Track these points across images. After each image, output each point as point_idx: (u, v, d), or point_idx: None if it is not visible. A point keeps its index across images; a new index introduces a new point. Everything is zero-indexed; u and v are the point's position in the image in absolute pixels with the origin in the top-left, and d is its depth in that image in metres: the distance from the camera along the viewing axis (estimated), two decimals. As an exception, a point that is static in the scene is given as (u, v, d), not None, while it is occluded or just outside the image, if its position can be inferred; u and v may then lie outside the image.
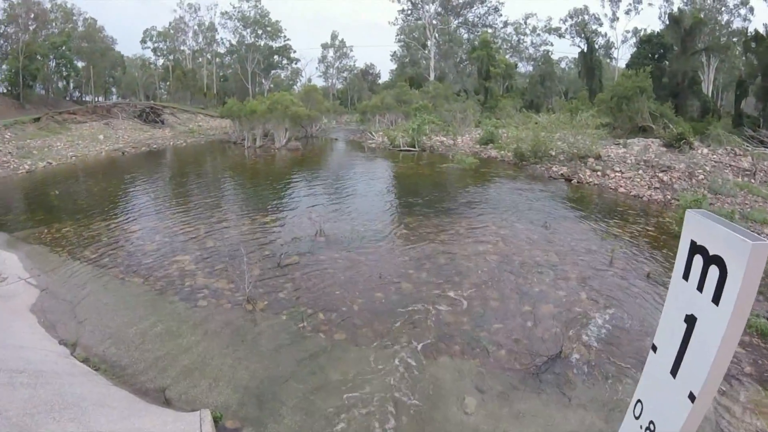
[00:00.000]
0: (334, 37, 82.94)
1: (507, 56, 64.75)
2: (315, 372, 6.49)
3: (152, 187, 21.05)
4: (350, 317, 8.13)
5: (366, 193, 18.42)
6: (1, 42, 64.69)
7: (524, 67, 71.00)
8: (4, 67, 64.77)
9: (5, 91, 63.41)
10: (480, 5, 67.77)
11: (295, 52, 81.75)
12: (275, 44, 79.13)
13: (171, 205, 16.93)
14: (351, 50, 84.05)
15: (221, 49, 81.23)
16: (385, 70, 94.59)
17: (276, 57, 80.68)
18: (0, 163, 28.80)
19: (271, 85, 79.08)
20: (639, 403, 2.43)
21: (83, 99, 74.09)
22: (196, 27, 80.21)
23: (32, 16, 64.61)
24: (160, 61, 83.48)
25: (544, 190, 19.17)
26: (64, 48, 67.83)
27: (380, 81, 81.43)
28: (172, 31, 79.58)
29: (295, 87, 78.16)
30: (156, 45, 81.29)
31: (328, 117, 54.17)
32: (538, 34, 70.41)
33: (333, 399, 5.89)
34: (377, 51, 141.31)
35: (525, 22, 71.48)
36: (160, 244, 12.13)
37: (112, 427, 4.75)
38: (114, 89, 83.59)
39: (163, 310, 8.46)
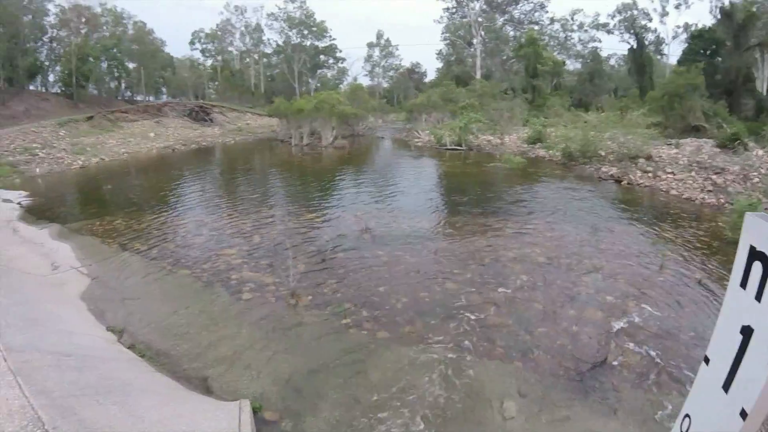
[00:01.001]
0: (379, 36, 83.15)
1: (554, 53, 63.18)
2: (356, 368, 6.45)
3: (201, 183, 21.51)
4: (393, 315, 8.07)
5: (412, 191, 18.36)
6: (55, 45, 67.60)
7: (572, 65, 69.19)
8: (58, 68, 67.70)
9: (59, 91, 66.21)
10: (525, 1, 66.46)
11: (340, 51, 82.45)
12: (321, 44, 79.99)
13: (219, 201, 17.27)
14: (396, 49, 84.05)
15: (268, 50, 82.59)
16: (431, 68, 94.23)
17: (322, 57, 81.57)
18: (55, 159, 29.93)
19: (318, 85, 79.88)
20: (687, 418, 2.28)
21: (134, 98, 76.55)
22: (243, 28, 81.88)
23: (83, 20, 67.32)
24: (209, 62, 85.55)
25: (593, 191, 18.71)
26: (115, 50, 70.63)
27: (426, 80, 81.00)
28: (219, 33, 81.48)
29: (341, 86, 78.54)
30: (204, 46, 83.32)
31: (375, 115, 54.24)
32: (586, 30, 68.62)
33: (372, 396, 5.84)
34: (423, 50, 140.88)
35: (572, 18, 69.80)
36: (208, 238, 12.37)
37: (155, 413, 4.81)
38: (164, 89, 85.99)
39: (209, 302, 8.60)
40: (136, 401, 5.02)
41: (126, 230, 13.14)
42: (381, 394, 5.90)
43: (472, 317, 7.93)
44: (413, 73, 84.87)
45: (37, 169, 27.47)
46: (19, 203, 17.14)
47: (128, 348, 6.81)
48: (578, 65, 68.71)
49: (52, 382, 4.66)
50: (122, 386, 5.33)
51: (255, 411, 5.44)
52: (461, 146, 32.43)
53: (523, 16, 67.45)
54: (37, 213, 15.36)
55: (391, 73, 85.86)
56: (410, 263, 10.38)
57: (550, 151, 28.34)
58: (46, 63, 69.01)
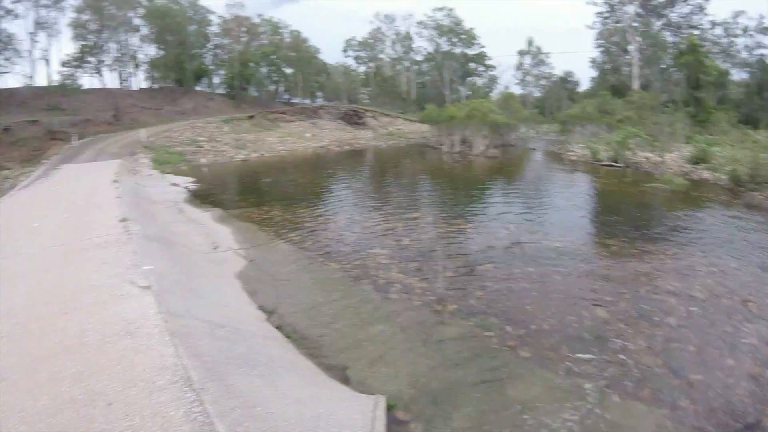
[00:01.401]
0: (530, 43, 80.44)
1: (718, 61, 56.89)
2: (493, 384, 6.19)
3: (353, 182, 22.29)
4: (538, 336, 7.65)
5: (564, 207, 17.53)
6: (218, 51, 74.30)
7: (738, 74, 61.42)
8: (222, 72, 74.36)
9: (223, 92, 72.51)
10: (683, 3, 60.49)
11: (490, 59, 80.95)
12: (470, 52, 79.30)
13: (370, 201, 17.73)
14: (548, 57, 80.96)
15: (418, 57, 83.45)
16: (585, 77, 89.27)
17: (471, 64, 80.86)
18: (219, 152, 32.68)
19: (468, 92, 79.39)
20: None
21: (292, 101, 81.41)
22: (393, 36, 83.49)
23: (244, 29, 73.34)
24: (361, 68, 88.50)
25: (764, 223, 16.68)
26: (273, 56, 75.89)
27: (579, 89, 77.39)
28: (371, 41, 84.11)
29: (491, 94, 77.55)
30: (357, 54, 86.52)
31: (526, 126, 52.90)
32: (751, 35, 60.82)
33: (506, 416, 5.57)
34: (575, 58, 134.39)
35: (735, 21, 62.44)
36: (359, 236, 12.73)
37: (296, 392, 5.00)
38: (319, 93, 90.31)
39: (356, 296, 8.77)
40: (279, 378, 5.21)
41: (282, 221, 13.97)
42: (515, 416, 5.60)
43: (621, 351, 7.29)
44: (566, 82, 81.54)
45: (203, 160, 30.09)
46: (185, 188, 18.91)
47: (276, 328, 7.12)
48: (744, 75, 60.89)
49: (205, 348, 5.01)
50: (268, 362, 5.58)
51: (389, 408, 5.39)
52: (617, 163, 30.51)
53: (681, 19, 61.45)
54: (201, 197, 16.91)
55: (542, 82, 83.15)
56: (560, 283, 9.84)
57: (715, 174, 25.75)
58: (211, 67, 76.21)
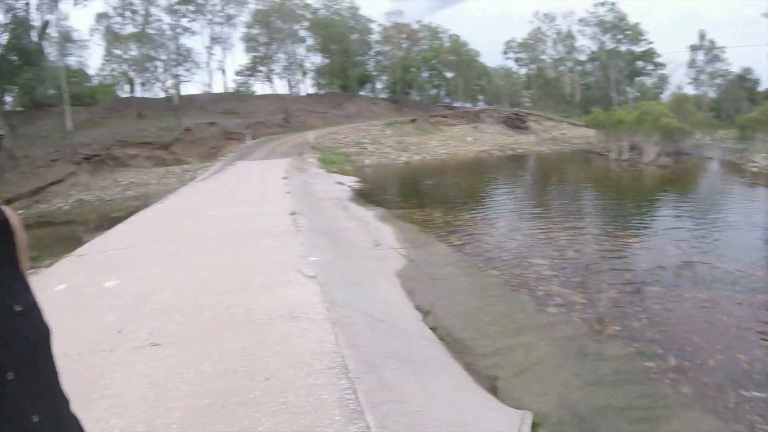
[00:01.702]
0: (702, 37, 73.04)
1: None
2: (646, 418, 5.63)
3: (515, 188, 21.91)
4: (702, 372, 6.84)
5: (742, 227, 15.62)
6: (380, 58, 76.93)
7: None
8: (384, 77, 76.98)
9: (386, 96, 75.00)
10: None
11: (659, 56, 74.79)
12: (637, 49, 73.89)
13: (532, 208, 17.32)
14: (723, 51, 73.03)
15: (582, 57, 79.59)
16: (767, 74, 79.26)
17: (639, 63, 75.43)
18: (382, 154, 33.82)
19: (637, 94, 74.36)
20: None
21: (453, 104, 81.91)
22: (554, 36, 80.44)
23: (404, 36, 75.29)
24: (523, 71, 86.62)
25: None
26: (434, 61, 77.02)
27: (760, 88, 68.84)
28: (531, 42, 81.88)
29: (661, 96, 71.60)
30: (517, 55, 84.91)
31: (701, 131, 48.02)
32: None
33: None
34: (756, 52, 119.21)
35: None
36: (520, 244, 12.44)
37: (445, 394, 4.97)
38: (480, 96, 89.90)
39: (513, 306, 8.53)
40: (430, 379, 5.23)
41: (443, 223, 14.11)
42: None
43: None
44: (744, 81, 72.91)
45: (366, 161, 31.32)
46: (350, 187, 19.74)
47: (430, 329, 7.07)
48: None
49: (363, 340, 5.13)
50: (421, 361, 5.61)
51: (534, 425, 5.12)
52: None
53: None
54: (364, 196, 17.58)
55: (717, 81, 75.25)
56: (732, 313, 8.72)
57: None
58: (374, 73, 79.32)
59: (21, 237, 1.31)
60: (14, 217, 1.30)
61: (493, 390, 5.87)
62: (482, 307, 8.34)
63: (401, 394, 4.29)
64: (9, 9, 50.81)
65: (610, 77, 74.55)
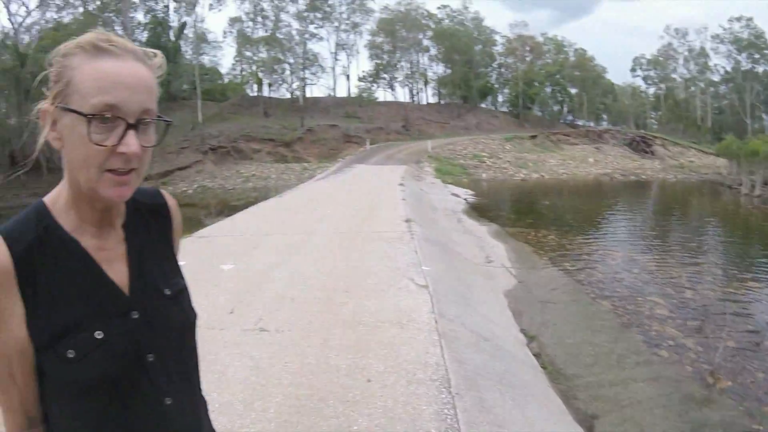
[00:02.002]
0: None
1: None
2: None
3: (634, 217, 20.87)
4: None
5: None
6: (503, 70, 75.85)
7: None
8: (506, 90, 76.01)
9: (507, 110, 74.09)
10: None
11: None
12: None
13: (651, 241, 16.38)
14: None
15: (715, 77, 73.87)
16: None
17: (778, 86, 69.08)
18: (499, 169, 33.48)
19: (777, 121, 68.20)
20: None
21: (575, 122, 79.43)
22: (686, 53, 75.08)
23: (528, 48, 73.71)
24: (651, 90, 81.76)
25: None
26: (558, 76, 74.79)
27: None
28: (661, 59, 76.67)
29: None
30: (646, 73, 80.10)
31: None
32: None
33: None
34: None
35: None
36: (636, 278, 11.80)
37: (540, 425, 4.76)
38: (604, 115, 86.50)
39: (622, 344, 8.09)
40: (528, 406, 5.09)
41: (557, 246, 13.75)
42: None
43: None
44: None
45: (483, 174, 31.13)
46: (465, 199, 19.70)
47: (534, 355, 6.88)
48: None
49: (467, 356, 5.08)
50: (522, 386, 5.49)
51: None
52: None
53: None
54: (479, 210, 17.45)
55: None
56: None
57: None
58: (496, 85, 78.28)
59: (177, 221, 1.37)
60: (172, 201, 1.36)
61: (590, 428, 5.66)
62: (589, 339, 7.97)
63: (499, 418, 4.21)
64: (150, 10, 56.17)
65: (745, 101, 68.81)
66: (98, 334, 1.05)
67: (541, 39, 78.02)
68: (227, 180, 36.66)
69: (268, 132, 46.83)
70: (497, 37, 76.70)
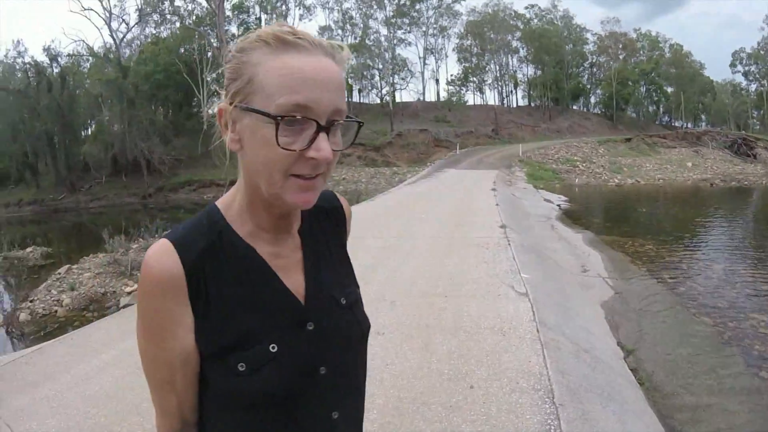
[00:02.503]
0: None
1: None
2: None
3: (736, 226, 19.64)
4: None
5: None
6: (595, 70, 72.96)
7: None
8: (599, 91, 73.06)
9: (600, 111, 71.42)
10: None
11: None
12: None
13: (754, 253, 15.41)
14: None
15: None
16: None
17: None
18: (593, 173, 32.51)
19: None
20: None
21: (672, 124, 75.63)
22: None
23: (620, 46, 70.34)
24: (753, 87, 76.00)
25: None
26: (653, 74, 70.95)
27: None
28: (762, 52, 70.91)
29: None
30: (747, 68, 74.23)
31: None
32: None
33: None
34: None
35: None
36: (739, 293, 11.15)
37: None
38: (703, 116, 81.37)
39: (722, 362, 7.71)
40: (628, 421, 5.00)
41: (656, 257, 13.25)
42: None
43: None
44: None
45: (576, 179, 30.37)
46: (558, 205, 19.32)
47: (631, 369, 6.72)
48: None
49: (569, 367, 5.07)
50: (622, 401, 5.39)
51: None
52: None
53: None
54: (572, 217, 17.05)
55: None
56: None
57: None
58: (588, 86, 75.40)
59: (349, 225, 1.32)
60: (346, 203, 1.31)
61: (685, 449, 5.48)
62: (688, 356, 7.66)
63: (605, 430, 4.21)
64: (242, 23, 58.64)
65: None
66: (272, 348, 1.01)
67: (634, 35, 74.53)
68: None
69: (358, 136, 47.73)
70: (588, 35, 74.54)
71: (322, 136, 0.94)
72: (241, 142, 0.99)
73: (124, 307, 8.82)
